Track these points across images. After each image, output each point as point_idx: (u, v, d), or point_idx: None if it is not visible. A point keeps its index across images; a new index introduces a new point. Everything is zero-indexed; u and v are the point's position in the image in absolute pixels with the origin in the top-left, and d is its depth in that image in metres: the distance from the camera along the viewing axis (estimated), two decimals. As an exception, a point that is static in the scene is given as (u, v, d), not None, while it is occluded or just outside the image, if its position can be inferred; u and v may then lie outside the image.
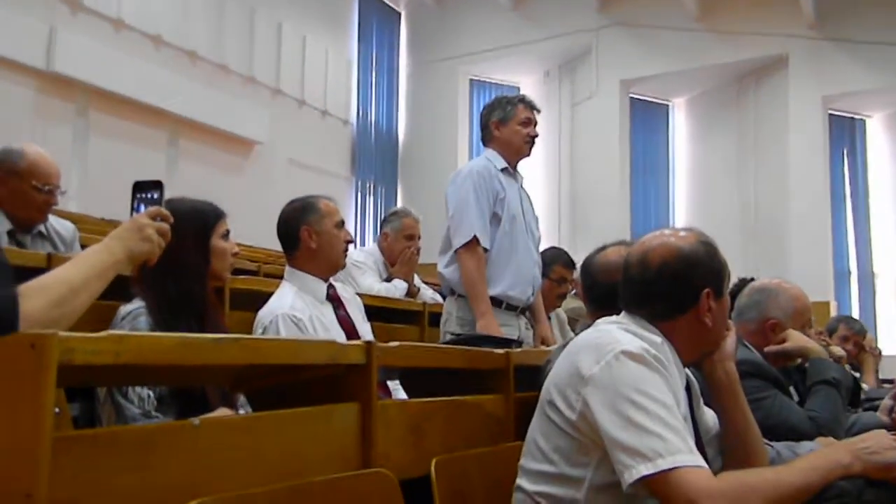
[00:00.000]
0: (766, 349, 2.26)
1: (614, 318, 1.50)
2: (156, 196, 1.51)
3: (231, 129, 7.72)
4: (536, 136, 3.12)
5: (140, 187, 1.53)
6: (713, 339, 1.51)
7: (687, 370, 1.56)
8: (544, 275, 3.41)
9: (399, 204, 9.98)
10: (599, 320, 1.52)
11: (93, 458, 0.98)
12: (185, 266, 1.89)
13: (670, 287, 1.46)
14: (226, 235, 2.04)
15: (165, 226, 1.46)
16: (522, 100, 3.10)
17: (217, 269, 2.00)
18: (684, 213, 10.03)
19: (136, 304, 1.88)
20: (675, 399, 1.33)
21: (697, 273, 1.46)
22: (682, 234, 1.52)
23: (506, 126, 3.06)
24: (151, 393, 1.75)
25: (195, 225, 1.97)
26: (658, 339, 1.43)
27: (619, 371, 1.30)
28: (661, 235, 1.53)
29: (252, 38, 8.09)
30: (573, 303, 4.17)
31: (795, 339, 2.27)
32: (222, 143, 7.72)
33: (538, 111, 3.12)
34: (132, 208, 1.51)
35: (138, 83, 6.72)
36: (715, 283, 1.47)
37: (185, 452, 1.10)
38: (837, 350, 2.99)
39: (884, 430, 1.46)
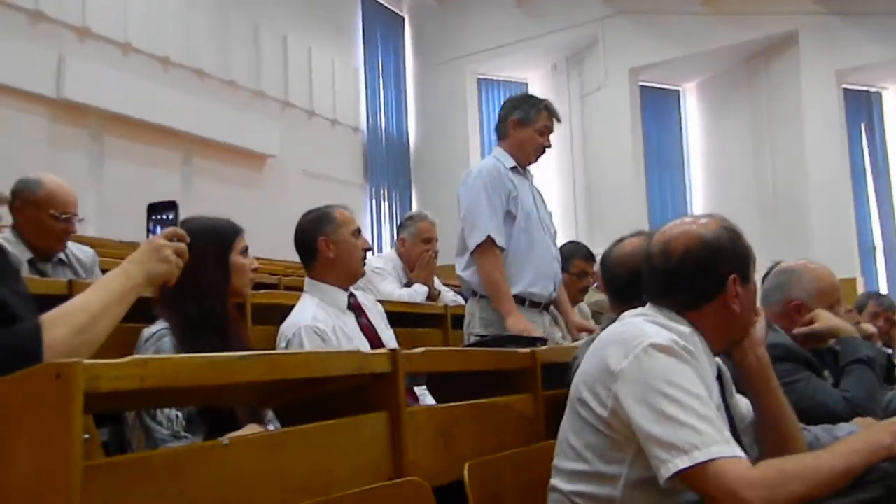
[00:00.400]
0: (795, 331, 2.23)
1: (640, 310, 1.48)
2: (171, 216, 1.51)
3: (243, 144, 7.77)
4: (549, 146, 3.08)
5: (155, 209, 1.53)
6: (742, 325, 1.48)
7: (717, 359, 1.53)
8: (564, 269, 3.38)
9: (414, 208, 9.98)
10: (625, 313, 1.50)
11: (124, 484, 0.97)
12: (205, 285, 1.89)
13: (694, 275, 1.44)
14: (244, 251, 2.04)
15: (183, 246, 1.46)
16: (547, 107, 3.05)
17: (237, 286, 2.00)
18: (701, 199, 9.95)
19: (160, 326, 1.88)
20: (707, 389, 1.31)
21: (722, 259, 1.44)
22: (703, 220, 1.50)
23: (524, 128, 3.02)
24: (180, 414, 1.75)
25: (213, 243, 1.97)
26: (686, 329, 1.40)
27: (649, 364, 1.28)
28: (683, 223, 1.50)
29: (258, 52, 8.13)
30: (596, 296, 4.14)
31: (824, 318, 2.23)
32: (235, 158, 7.77)
33: (559, 122, 3.08)
34: (148, 230, 1.51)
35: (149, 105, 6.77)
36: (740, 269, 1.45)
37: (216, 473, 1.09)
38: (868, 327, 2.94)
39: None
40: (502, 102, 3.14)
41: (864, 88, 9.43)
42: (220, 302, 1.93)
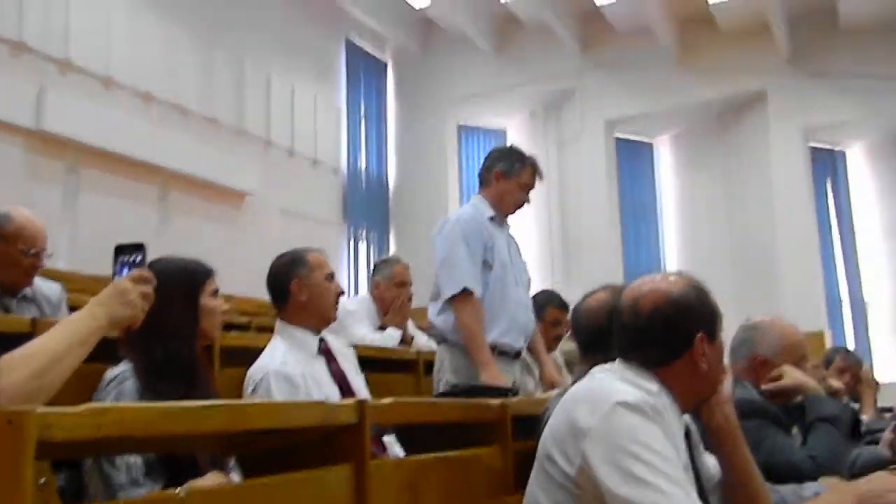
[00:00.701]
0: (763, 387, 2.24)
1: (609, 365, 1.49)
2: (138, 259, 1.50)
3: (222, 181, 7.74)
4: (527, 202, 3.10)
5: (122, 250, 1.52)
6: (710, 382, 1.49)
7: (686, 416, 1.53)
8: (538, 317, 3.39)
9: (392, 249, 9.98)
10: (595, 368, 1.50)
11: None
12: (173, 327, 1.86)
13: (663, 333, 1.45)
14: (215, 293, 2.01)
15: (149, 289, 1.44)
16: (533, 164, 3.09)
17: (206, 329, 1.97)
18: (674, 250, 10.07)
19: (123, 368, 1.84)
20: (674, 448, 1.31)
21: (689, 317, 1.46)
22: (672, 279, 1.52)
23: (507, 181, 3.04)
24: (139, 460, 1.71)
25: (183, 284, 1.95)
26: (654, 387, 1.41)
27: (617, 423, 1.28)
28: (652, 281, 1.52)
29: (241, 90, 8.16)
30: (569, 344, 4.14)
31: (790, 375, 2.25)
32: (214, 195, 7.73)
33: (542, 180, 3.11)
34: (114, 272, 1.49)
35: (129, 140, 6.74)
36: (707, 327, 1.46)
37: (172, 526, 1.06)
38: (834, 383, 2.97)
39: (886, 472, 1.43)
40: (489, 151, 3.17)
41: (830, 147, 9.70)
42: (188, 345, 1.90)
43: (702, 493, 1.41)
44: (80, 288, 3.59)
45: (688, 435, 1.50)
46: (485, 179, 3.09)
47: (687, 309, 1.46)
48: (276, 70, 8.66)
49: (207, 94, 7.73)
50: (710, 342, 1.46)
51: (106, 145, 6.57)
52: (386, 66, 10.59)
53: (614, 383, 1.38)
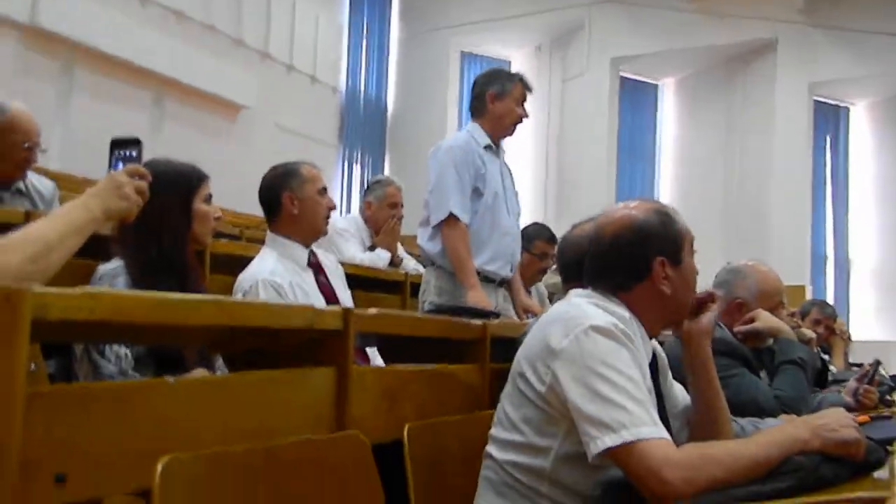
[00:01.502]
0: (736, 328, 2.31)
1: (585, 291, 1.53)
2: (134, 154, 1.52)
3: (217, 91, 7.64)
4: (527, 116, 3.11)
5: (118, 144, 1.53)
6: (675, 306, 1.52)
7: (656, 344, 1.59)
8: (526, 249, 3.43)
9: (387, 173, 9.94)
10: (571, 292, 1.55)
11: (67, 413, 0.98)
12: (166, 227, 1.89)
13: (623, 257, 1.49)
14: (208, 199, 2.04)
15: (143, 184, 1.46)
16: (521, 79, 3.08)
17: (198, 233, 2.00)
18: (669, 193, 10.09)
19: (115, 264, 1.88)
20: (640, 372, 1.36)
21: (649, 241, 1.48)
22: (637, 203, 1.55)
23: (502, 101, 3.04)
24: (129, 352, 1.76)
25: (177, 187, 1.97)
26: (626, 314, 1.45)
27: (588, 345, 1.33)
28: (623, 208, 1.55)
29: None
30: (554, 278, 4.20)
31: (765, 319, 2.31)
32: (208, 105, 7.64)
33: (531, 92, 3.12)
34: (110, 165, 1.51)
35: (124, 41, 6.61)
36: (670, 251, 1.49)
37: (160, 411, 1.11)
38: (808, 332, 3.05)
39: (842, 409, 1.50)
40: (474, 81, 3.16)
41: (834, 102, 9.64)
42: (180, 246, 1.94)
43: (664, 417, 1.48)
44: (72, 188, 3.59)
45: (655, 362, 1.55)
46: (477, 108, 3.08)
47: (647, 234, 1.48)
48: (279, -19, 8.46)
49: (205, 1, 7.56)
50: (674, 266, 1.49)
51: (101, 46, 6.45)
52: (393, -16, 10.35)
53: (588, 308, 1.42)
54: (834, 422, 1.36)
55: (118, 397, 1.07)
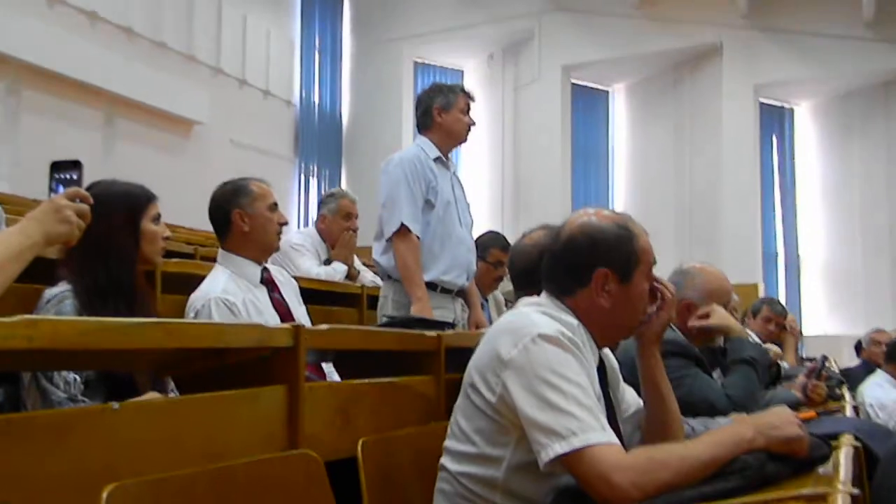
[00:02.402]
0: (691, 323, 2.34)
1: (534, 298, 1.54)
2: (75, 176, 1.50)
3: (170, 108, 7.56)
4: (474, 123, 3.16)
5: (58, 167, 1.52)
6: (614, 322, 1.52)
7: (608, 351, 1.61)
8: (482, 258, 3.46)
9: (343, 186, 9.91)
10: (520, 301, 1.56)
11: (10, 443, 0.97)
12: (113, 249, 1.87)
13: (571, 260, 1.50)
14: (157, 219, 2.02)
15: (85, 207, 1.44)
16: (462, 89, 3.15)
17: (147, 253, 1.98)
18: (623, 197, 10.25)
19: (62, 288, 1.85)
20: (588, 379, 1.38)
21: (598, 251, 1.49)
22: (605, 213, 1.55)
23: (448, 113, 3.08)
24: (78, 377, 1.73)
25: (125, 207, 1.95)
26: (574, 321, 1.47)
27: (536, 354, 1.34)
28: (587, 213, 1.56)
29: (191, 16, 7.91)
30: (510, 285, 4.22)
31: (718, 314, 2.35)
32: (161, 122, 7.55)
33: (474, 101, 3.17)
34: (50, 189, 1.49)
35: (73, 60, 6.51)
36: (620, 267, 1.49)
37: (105, 437, 1.10)
38: (752, 334, 3.11)
39: (786, 406, 1.53)
40: (417, 98, 3.21)
41: (779, 104, 9.91)
42: (128, 268, 1.91)
43: (614, 422, 1.50)
44: (21, 211, 3.51)
45: (603, 367, 1.57)
46: (424, 122, 3.12)
47: (599, 242, 1.49)
48: (228, -3, 8.41)
49: (156, 18, 7.48)
50: (620, 282, 1.49)
51: (49, 65, 6.34)
52: (343, -1, 10.36)
53: (535, 316, 1.43)
54: (777, 420, 1.39)
55: (62, 425, 1.06)
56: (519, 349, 1.36)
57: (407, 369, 1.92)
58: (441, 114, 3.07)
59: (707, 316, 2.35)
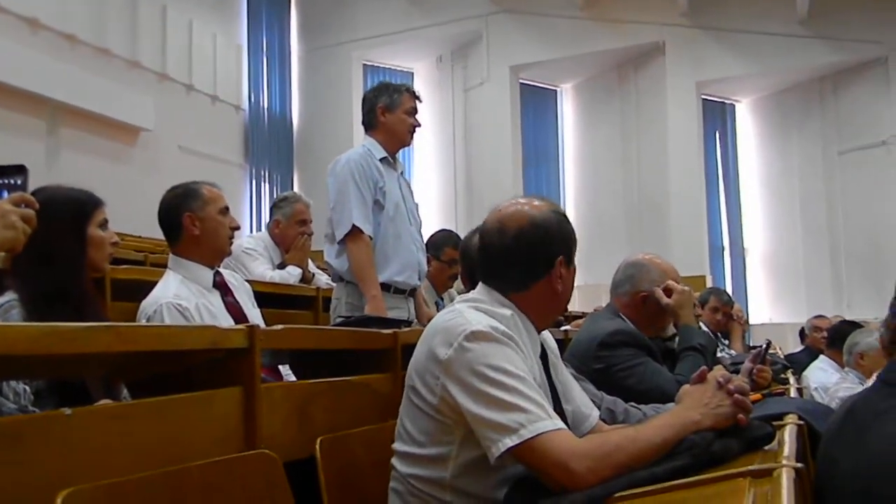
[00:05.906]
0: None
1: (469, 294, 1.55)
2: (19, 181, 1.48)
3: (115, 115, 7.40)
4: (419, 125, 3.16)
5: (2, 172, 1.49)
6: (562, 303, 1.57)
7: (546, 335, 1.62)
8: (435, 256, 3.48)
9: (296, 190, 9.83)
10: (456, 298, 1.57)
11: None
12: (59, 256, 1.84)
13: (527, 254, 1.50)
14: (104, 225, 1.99)
15: (30, 212, 1.42)
16: (408, 89, 3.13)
17: (94, 260, 1.95)
18: (573, 194, 10.38)
19: (8, 297, 1.81)
20: (528, 368, 1.39)
21: (551, 241, 1.51)
22: (535, 202, 1.57)
23: (392, 113, 3.07)
24: (28, 387, 1.70)
25: (71, 213, 1.92)
26: (508, 312, 1.47)
27: (471, 352, 1.35)
28: (515, 204, 1.57)
29: (135, 21, 7.77)
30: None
31: (678, 301, 2.40)
32: (106, 130, 7.40)
33: (420, 101, 3.17)
34: (-7, 195, 1.46)
35: (14, 68, 6.33)
36: (566, 251, 1.53)
37: (58, 443, 1.09)
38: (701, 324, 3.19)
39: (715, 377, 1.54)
40: (362, 97, 3.19)
41: (720, 100, 10.18)
42: (76, 275, 1.88)
43: (558, 407, 1.53)
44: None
45: (545, 353, 1.60)
46: (369, 122, 3.11)
47: (549, 232, 1.51)
48: (173, 2, 8.27)
49: (99, 24, 7.32)
50: (566, 266, 1.53)
51: (-12, 73, 6.17)
52: (289, 2, 10.27)
53: (467, 313, 1.43)
54: (712, 399, 1.42)
55: (12, 434, 1.04)
56: (454, 348, 1.36)
57: (364, 369, 1.93)
58: (385, 113, 3.06)
59: (669, 291, 2.40)
